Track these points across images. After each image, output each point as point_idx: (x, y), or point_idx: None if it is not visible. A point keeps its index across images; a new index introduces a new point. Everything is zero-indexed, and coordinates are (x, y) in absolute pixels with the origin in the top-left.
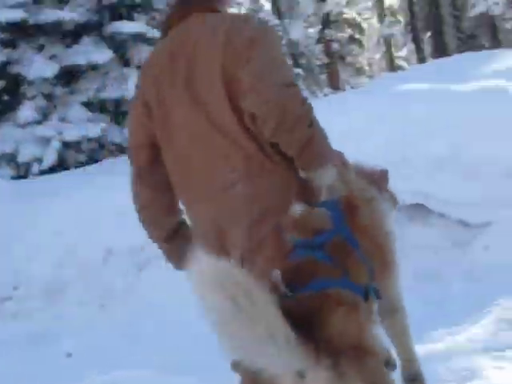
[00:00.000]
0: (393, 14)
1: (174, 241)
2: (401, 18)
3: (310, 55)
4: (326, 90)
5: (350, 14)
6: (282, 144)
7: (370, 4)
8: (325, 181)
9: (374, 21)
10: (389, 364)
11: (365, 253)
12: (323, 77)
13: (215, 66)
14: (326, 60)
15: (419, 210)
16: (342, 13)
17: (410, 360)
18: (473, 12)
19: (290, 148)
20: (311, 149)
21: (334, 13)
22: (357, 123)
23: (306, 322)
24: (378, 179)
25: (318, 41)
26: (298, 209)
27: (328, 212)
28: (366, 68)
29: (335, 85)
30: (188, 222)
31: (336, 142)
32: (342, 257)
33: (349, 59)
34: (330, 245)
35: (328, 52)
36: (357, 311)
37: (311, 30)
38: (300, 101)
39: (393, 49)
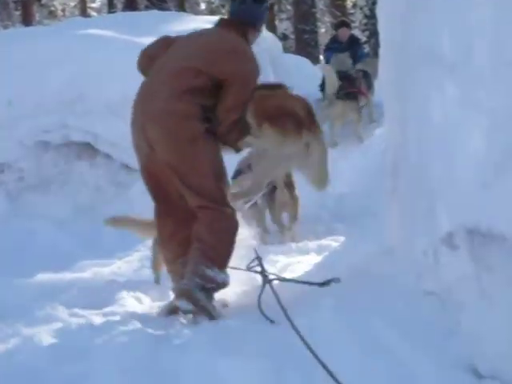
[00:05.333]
0: None
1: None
2: None
3: None
4: (18, 26)
5: None
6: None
7: None
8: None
9: None
10: None
11: None
12: (18, 13)
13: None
14: None
15: (87, 150)
16: None
17: None
18: None
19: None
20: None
21: None
22: (43, 56)
23: None
24: None
25: None
26: None
27: None
28: (60, 12)
29: (28, 23)
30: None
31: (20, 71)
32: None
33: (44, 1)
34: None
35: None
36: None
37: None
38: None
39: None
